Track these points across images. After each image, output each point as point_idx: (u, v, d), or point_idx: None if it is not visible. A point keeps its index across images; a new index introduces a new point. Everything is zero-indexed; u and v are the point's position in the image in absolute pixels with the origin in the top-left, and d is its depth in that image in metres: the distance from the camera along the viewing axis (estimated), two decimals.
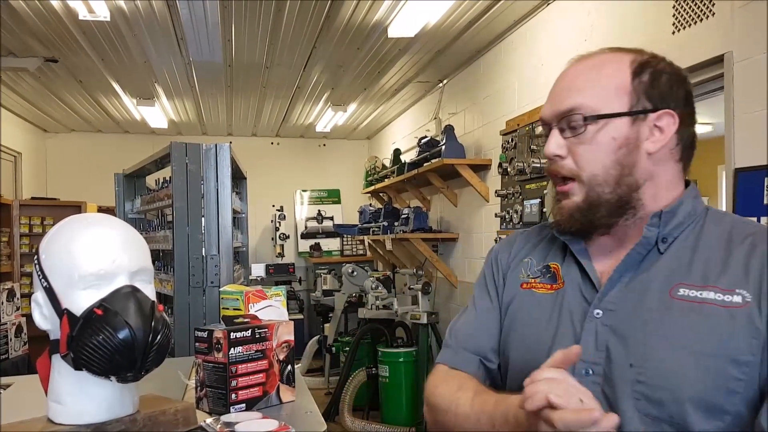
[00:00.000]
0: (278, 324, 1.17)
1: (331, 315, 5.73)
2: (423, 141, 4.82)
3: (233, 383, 1.08)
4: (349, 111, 6.13)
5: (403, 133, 6.35)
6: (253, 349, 1.11)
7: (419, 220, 5.08)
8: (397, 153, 5.93)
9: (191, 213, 2.56)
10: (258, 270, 6.56)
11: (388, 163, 6.11)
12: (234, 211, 2.98)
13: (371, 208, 6.11)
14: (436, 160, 4.41)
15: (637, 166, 0.92)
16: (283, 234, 7.17)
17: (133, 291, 1.00)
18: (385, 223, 5.53)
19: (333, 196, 7.63)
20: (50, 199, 6.01)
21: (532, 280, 1.02)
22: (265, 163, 7.24)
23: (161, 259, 3.18)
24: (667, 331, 0.84)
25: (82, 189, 6.39)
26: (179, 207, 2.56)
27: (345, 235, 7.12)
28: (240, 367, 1.09)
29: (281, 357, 1.16)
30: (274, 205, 7.25)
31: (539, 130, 3.40)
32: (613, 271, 0.92)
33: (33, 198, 6.08)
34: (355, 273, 5.34)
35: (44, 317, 1.01)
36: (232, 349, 1.08)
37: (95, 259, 0.98)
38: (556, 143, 0.95)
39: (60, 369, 1.01)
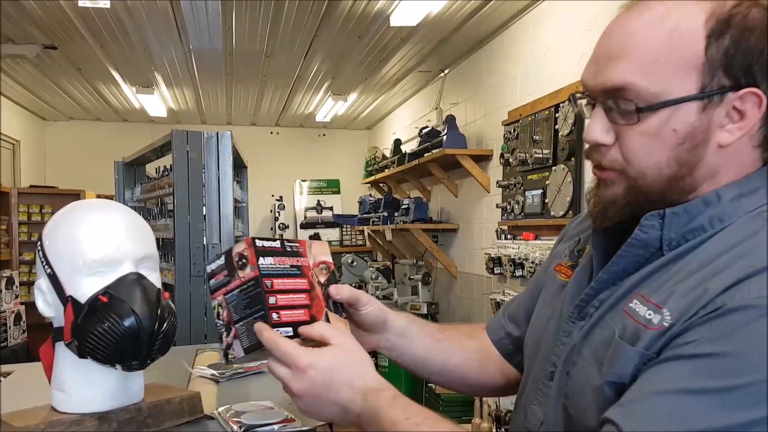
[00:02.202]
0: (310, 242, 0.96)
1: None
2: (424, 131, 4.80)
3: (272, 300, 0.83)
4: (350, 101, 6.10)
5: (404, 123, 6.32)
6: (287, 263, 0.88)
7: (419, 210, 5.07)
8: (397, 143, 5.91)
9: (192, 201, 2.54)
10: None
11: (388, 154, 6.08)
12: (235, 200, 2.96)
13: (371, 199, 6.09)
14: (437, 150, 4.39)
15: (701, 162, 0.74)
16: (283, 224, 7.16)
17: (139, 278, 0.98)
18: (385, 214, 5.52)
19: (333, 187, 7.61)
20: (49, 188, 5.99)
21: (564, 262, 0.96)
22: (264, 152, 7.21)
23: (162, 248, 3.17)
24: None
25: (80, 177, 6.37)
26: (180, 195, 2.54)
27: (344, 226, 7.11)
28: (276, 281, 0.85)
29: (322, 279, 0.93)
30: (273, 195, 7.23)
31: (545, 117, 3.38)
32: (601, 273, 0.80)
33: (32, 186, 6.05)
34: (354, 263, 5.33)
35: (48, 304, 1.00)
36: (262, 259, 0.85)
37: (100, 245, 0.97)
38: (600, 128, 0.77)
39: (64, 357, 1.00)
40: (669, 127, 0.72)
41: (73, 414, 0.99)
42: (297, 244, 0.94)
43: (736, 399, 0.59)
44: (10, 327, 2.79)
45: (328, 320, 0.90)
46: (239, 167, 3.45)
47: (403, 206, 5.22)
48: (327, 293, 0.93)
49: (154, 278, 1.01)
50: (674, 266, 0.73)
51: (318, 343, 0.83)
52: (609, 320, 0.76)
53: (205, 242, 2.53)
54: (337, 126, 7.54)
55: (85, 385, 0.99)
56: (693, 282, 0.68)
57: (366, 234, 6.84)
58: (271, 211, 7.27)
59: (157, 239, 3.30)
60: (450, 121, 4.48)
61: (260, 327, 0.82)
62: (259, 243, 0.88)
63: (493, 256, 3.72)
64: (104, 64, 4.77)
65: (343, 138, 7.75)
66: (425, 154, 4.63)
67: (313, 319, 0.88)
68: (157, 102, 5.95)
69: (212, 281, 0.90)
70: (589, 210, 0.83)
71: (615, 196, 0.77)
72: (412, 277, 4.83)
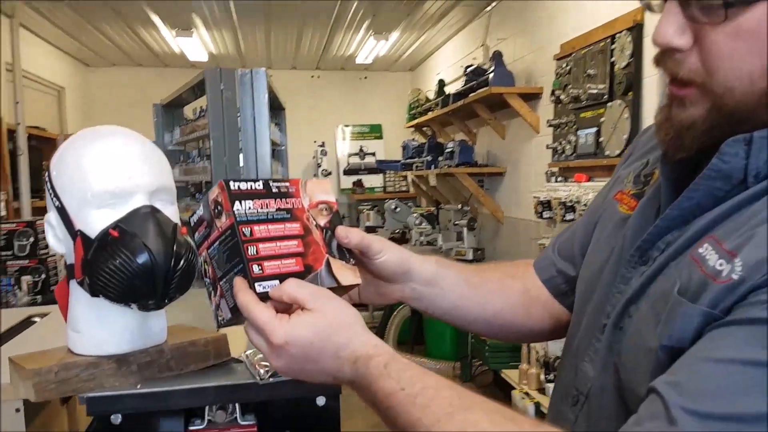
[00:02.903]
0: (304, 180, 0.83)
1: None
2: (469, 69, 4.59)
3: (251, 250, 0.73)
4: (391, 40, 5.88)
5: (449, 62, 6.07)
6: (272, 206, 0.77)
7: (464, 153, 4.90)
8: (441, 84, 5.70)
9: (228, 143, 2.46)
10: None
11: (432, 96, 5.88)
12: (273, 143, 2.87)
13: (414, 143, 5.94)
14: (483, 89, 4.19)
15: None
16: (325, 170, 7.08)
17: (153, 211, 0.89)
18: (429, 158, 5.37)
19: (375, 132, 7.46)
20: None
21: (627, 189, 0.80)
22: (305, 97, 7.09)
23: (201, 192, 3.12)
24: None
25: (123, 123, 6.28)
26: (216, 137, 2.46)
27: (387, 171, 6.99)
28: (257, 228, 0.74)
29: (321, 222, 0.80)
30: (315, 141, 7.14)
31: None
32: (669, 209, 0.66)
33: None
34: (398, 209, 5.24)
35: (58, 240, 0.92)
36: (238, 204, 0.74)
37: (109, 175, 0.88)
38: (674, 27, 0.61)
39: (78, 296, 0.93)
40: (765, 24, 0.56)
41: (89, 356, 0.92)
42: (287, 184, 0.81)
43: None
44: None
45: (329, 269, 0.78)
46: (277, 109, 3.34)
47: (448, 150, 5.06)
48: (329, 238, 0.81)
49: (170, 212, 0.92)
50: (757, 205, 0.59)
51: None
52: (673, 268, 0.63)
53: None
54: (378, 68, 7.33)
55: (101, 325, 0.92)
56: None
57: (409, 180, 6.71)
58: (313, 157, 7.19)
59: (198, 183, 3.28)
60: (497, 57, 4.25)
61: (237, 286, 0.71)
62: (234, 185, 0.76)
63: (542, 199, 3.56)
64: (143, 8, 4.67)
65: (385, 81, 7.54)
66: (470, 95, 4.44)
67: (308, 270, 0.76)
68: (196, 46, 5.86)
69: (196, 235, 0.79)
70: (659, 137, 0.68)
71: (693, 120, 0.62)
72: (456, 222, 4.71)
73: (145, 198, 0.90)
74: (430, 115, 5.61)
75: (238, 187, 0.76)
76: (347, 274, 0.81)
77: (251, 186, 0.77)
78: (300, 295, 0.70)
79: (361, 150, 7.33)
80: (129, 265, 0.85)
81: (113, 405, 0.90)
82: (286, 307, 0.72)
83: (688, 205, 0.64)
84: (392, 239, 5.19)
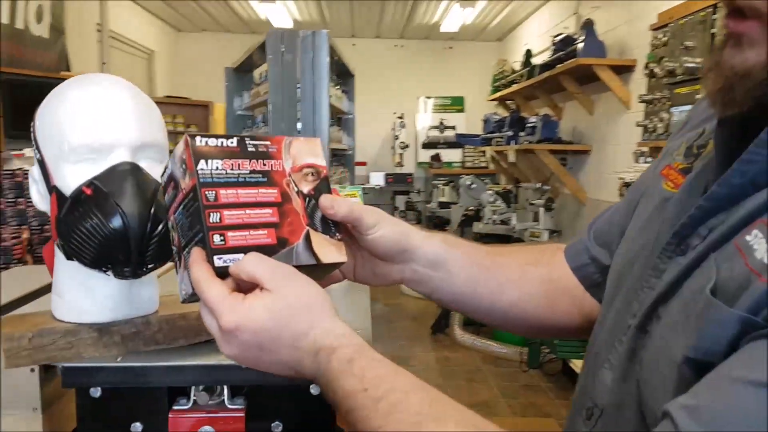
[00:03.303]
0: (289, 139, 0.72)
1: (447, 228, 5.52)
2: (557, 39, 4.30)
3: (213, 217, 0.63)
4: (479, 7, 5.63)
5: (538, 32, 5.76)
6: (245, 168, 0.67)
7: (547, 129, 4.65)
8: (528, 54, 5.41)
9: (287, 107, 2.38)
10: (377, 179, 6.45)
11: (518, 68, 5.60)
12: (339, 111, 2.77)
13: (496, 117, 5.70)
14: (571, 60, 3.91)
15: None
16: (403, 143, 6.96)
17: (133, 169, 0.81)
18: (510, 133, 5.15)
19: (457, 104, 7.24)
20: (180, 98, 6.18)
21: (676, 163, 0.65)
22: (387, 67, 6.96)
23: None
24: None
25: (210, 88, 6.49)
26: (275, 101, 2.39)
27: (466, 146, 6.78)
28: (223, 192, 0.64)
29: (305, 189, 0.69)
30: (395, 113, 7.01)
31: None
32: (716, 185, 0.51)
33: (167, 96, 6.27)
34: (473, 185, 5.06)
35: (41, 196, 0.85)
36: (203, 162, 0.64)
37: (87, 127, 0.80)
38: None
39: (60, 258, 0.86)
40: None
41: (69, 323, 0.85)
42: (266, 143, 0.69)
43: None
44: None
45: (308, 244, 0.67)
46: (345, 75, 3.23)
47: (530, 125, 4.81)
48: (313, 207, 0.70)
49: (157, 172, 0.83)
50: None
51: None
52: (713, 260, 0.49)
53: None
54: (464, 38, 7.08)
55: (83, 291, 0.85)
56: None
57: (488, 155, 6.47)
58: (392, 129, 7.08)
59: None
60: (587, 26, 3.94)
61: (193, 257, 0.62)
62: (200, 141, 0.65)
63: (627, 180, 3.29)
64: None
65: (471, 51, 7.28)
66: (557, 66, 4.17)
67: (281, 243, 0.66)
68: (281, 13, 5.85)
69: (166, 197, 0.70)
70: (706, 89, 0.53)
71: (749, 65, 0.47)
72: (533, 202, 4.48)
73: (128, 154, 0.81)
74: (514, 87, 5.36)
75: (206, 143, 0.65)
76: (330, 251, 0.69)
77: (222, 143, 0.66)
78: (258, 272, 0.60)
79: (441, 123, 7.14)
80: (100, 228, 0.77)
81: (89, 377, 0.84)
82: (251, 287, 0.62)
83: (740, 182, 0.48)
84: (466, 216, 5.02)
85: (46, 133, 0.83)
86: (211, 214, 0.63)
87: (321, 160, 0.73)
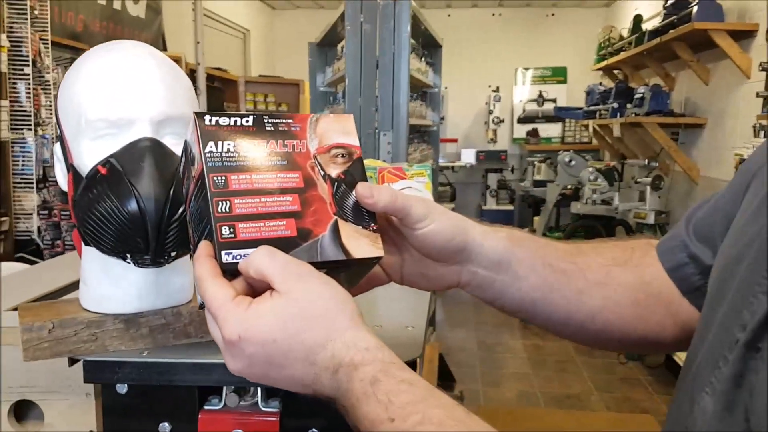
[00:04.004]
0: (316, 116, 0.63)
1: (542, 207, 5.26)
2: (669, 2, 3.93)
3: (222, 206, 0.54)
4: None
5: None
6: (262, 150, 0.58)
7: (657, 100, 4.28)
8: (637, 20, 4.99)
9: (365, 81, 2.27)
10: (467, 156, 6.25)
11: (625, 34, 5.20)
12: (424, 84, 2.64)
13: (601, 88, 5.34)
14: (685, 25, 3.57)
15: None
16: (497, 118, 6.68)
17: (153, 146, 0.72)
18: (615, 105, 4.79)
19: (558, 75, 6.85)
20: (273, 77, 6.24)
21: None
22: (484, 37, 6.69)
23: None
24: None
25: (303, 67, 6.52)
26: (352, 75, 2.28)
27: (567, 120, 6.41)
28: (234, 178, 0.55)
29: (333, 173, 0.60)
30: (489, 86, 6.73)
31: None
32: None
33: (260, 76, 6.36)
34: (572, 162, 4.78)
35: (64, 175, 0.79)
36: (211, 145, 0.56)
37: (104, 98, 0.72)
38: None
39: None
40: None
41: (94, 313, 0.79)
42: (288, 120, 0.61)
43: None
44: None
45: (336, 236, 0.57)
46: (431, 46, 3.08)
47: (637, 96, 4.45)
48: (342, 193, 0.60)
49: (180, 150, 0.74)
50: None
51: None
52: None
53: (376, 128, 2.26)
54: (568, 4, 6.66)
55: (106, 279, 0.79)
56: None
57: (591, 129, 6.09)
58: (486, 103, 6.82)
59: None
60: None
61: (198, 252, 0.54)
62: (209, 120, 0.57)
63: (746, 157, 2.95)
64: None
65: (575, 18, 6.84)
66: (670, 31, 3.82)
67: (303, 235, 0.56)
68: None
69: (183, 188, 0.63)
70: None
71: None
72: (639, 180, 4.15)
73: (149, 129, 0.73)
74: (621, 55, 4.98)
75: (216, 122, 0.57)
76: (362, 244, 0.58)
77: (235, 122, 0.58)
78: (267, 269, 0.51)
79: (540, 95, 6.79)
80: (115, 212, 0.69)
81: (111, 373, 0.77)
82: (264, 287, 0.52)
83: None
84: (563, 195, 4.74)
85: (65, 107, 0.76)
86: (220, 202, 0.54)
87: (353, 139, 0.62)
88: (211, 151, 0.56)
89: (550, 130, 6.66)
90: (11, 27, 3.06)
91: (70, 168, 0.75)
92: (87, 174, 0.72)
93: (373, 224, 0.59)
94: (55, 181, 2.29)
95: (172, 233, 0.71)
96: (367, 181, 0.61)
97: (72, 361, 0.79)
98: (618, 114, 4.72)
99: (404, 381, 0.46)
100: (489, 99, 6.75)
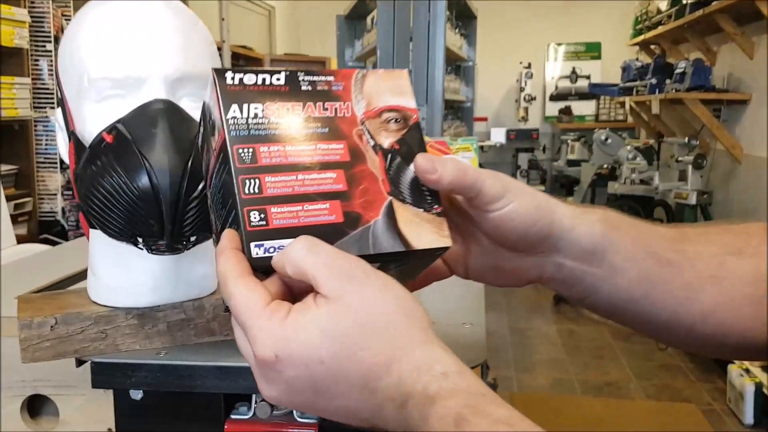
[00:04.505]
0: (362, 72, 0.50)
1: (575, 188, 5.09)
2: None
3: (249, 186, 0.43)
4: None
5: None
6: (297, 114, 0.46)
7: (699, 75, 4.08)
8: None
9: (397, 53, 2.15)
10: (497, 135, 6.07)
11: (664, 7, 4.97)
12: (458, 57, 2.49)
13: (637, 63, 5.12)
14: None
15: None
16: (529, 95, 6.48)
17: (168, 109, 0.60)
18: (654, 81, 4.59)
19: (592, 51, 6.61)
20: (299, 55, 6.12)
21: None
22: (515, 10, 6.45)
23: None
24: None
25: (329, 45, 6.38)
26: (384, 47, 2.16)
27: (602, 97, 6.19)
28: (264, 150, 0.44)
29: (386, 143, 0.48)
30: (521, 62, 6.52)
31: None
32: None
33: (285, 54, 6.24)
34: (609, 140, 4.61)
35: (66, 145, 0.68)
36: (236, 108, 0.45)
37: (109, 54, 0.61)
38: None
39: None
40: None
41: (103, 307, 0.68)
42: (329, 78, 0.49)
43: None
44: None
45: (391, 222, 0.45)
46: (465, 16, 2.92)
47: (678, 71, 4.26)
48: (398, 167, 0.48)
49: (199, 115, 0.63)
50: None
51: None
52: None
53: None
54: None
55: (117, 267, 0.68)
56: None
57: (627, 107, 5.88)
58: (517, 80, 6.61)
59: None
60: None
61: (222, 244, 0.42)
62: (231, 78, 0.45)
63: None
64: None
65: None
66: (712, 2, 3.63)
67: (350, 222, 0.44)
68: None
69: (203, 164, 0.52)
70: None
71: None
72: (680, 158, 3.97)
73: (163, 89, 0.61)
74: (659, 29, 4.78)
75: (240, 80, 0.45)
76: (425, 231, 0.46)
77: (264, 80, 0.46)
78: (309, 267, 0.39)
79: (573, 72, 6.57)
80: (123, 188, 0.58)
81: (124, 376, 0.67)
82: (306, 288, 0.40)
83: None
84: (598, 175, 4.57)
85: (65, 64, 0.65)
86: (247, 181, 0.43)
87: (409, 101, 0.50)
88: (234, 117, 0.44)
89: (583, 108, 6.44)
90: (33, 2, 2.99)
91: (72, 136, 0.64)
92: (90, 143, 0.61)
93: (436, 206, 0.48)
94: None
95: (191, 214, 0.60)
96: (426, 151, 0.49)
97: (79, 362, 0.69)
98: (657, 90, 4.53)
99: (500, 421, 0.34)
100: (520, 76, 6.54)
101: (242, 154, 0.43)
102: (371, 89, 0.48)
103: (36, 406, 0.92)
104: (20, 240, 2.66)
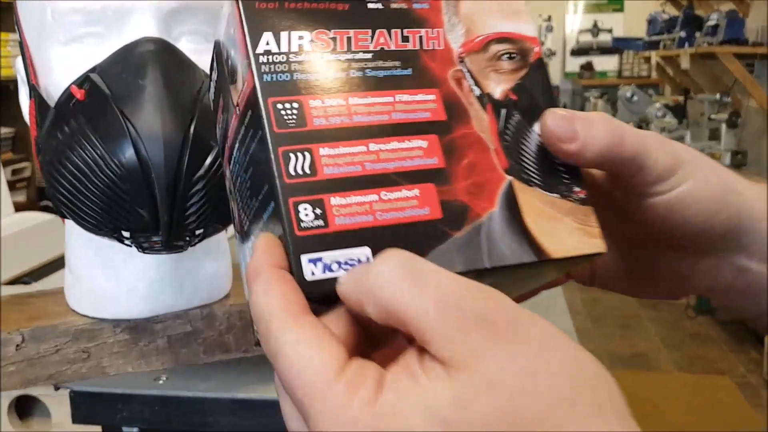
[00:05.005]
0: None
1: None
2: None
3: (296, 162, 0.25)
4: None
5: None
6: (363, 47, 0.28)
7: (732, 28, 3.87)
8: None
9: None
10: None
11: None
12: None
13: (664, 16, 4.89)
14: None
15: None
16: (549, 50, 6.22)
17: (161, 52, 0.43)
18: (682, 34, 4.38)
19: (614, 3, 6.31)
20: None
21: None
22: None
23: None
24: None
25: None
26: None
27: (625, 52, 5.94)
28: (315, 105, 0.26)
29: (497, 92, 0.30)
30: (540, 15, 6.24)
31: None
32: None
33: None
34: (635, 97, 4.40)
35: (28, 102, 0.51)
36: (268, 40, 0.27)
37: None
38: None
39: None
40: None
41: (85, 317, 0.52)
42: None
43: None
44: None
45: (516, 216, 0.27)
46: None
47: (709, 23, 4.04)
48: (517, 128, 0.29)
49: (206, 59, 0.45)
50: None
51: None
52: None
53: None
54: None
55: (102, 267, 0.51)
56: None
57: (653, 62, 5.63)
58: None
59: None
60: None
61: (257, 257, 0.24)
62: None
63: None
64: None
65: None
66: None
67: (454, 217, 0.26)
68: None
69: (217, 127, 0.33)
70: None
71: None
72: (712, 116, 3.77)
73: (154, 25, 0.43)
74: None
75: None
76: (565, 229, 0.28)
77: None
78: (414, 314, 0.21)
79: (594, 25, 6.29)
80: (96, 163, 0.41)
81: (112, 410, 0.51)
82: (386, 331, 0.23)
83: None
84: None
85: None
86: (291, 155, 0.25)
87: (528, 26, 0.32)
88: (267, 52, 0.27)
89: (605, 64, 6.18)
90: None
91: (33, 91, 0.47)
92: (56, 101, 0.44)
93: (577, 188, 0.30)
94: None
95: (195, 200, 0.43)
96: (556, 103, 0.31)
97: (57, 387, 0.53)
98: (686, 44, 4.31)
99: None
100: (540, 29, 6.27)
101: (282, 112, 0.26)
102: (472, 9, 0.30)
103: (25, 407, 0.80)
104: (18, 208, 2.51)
